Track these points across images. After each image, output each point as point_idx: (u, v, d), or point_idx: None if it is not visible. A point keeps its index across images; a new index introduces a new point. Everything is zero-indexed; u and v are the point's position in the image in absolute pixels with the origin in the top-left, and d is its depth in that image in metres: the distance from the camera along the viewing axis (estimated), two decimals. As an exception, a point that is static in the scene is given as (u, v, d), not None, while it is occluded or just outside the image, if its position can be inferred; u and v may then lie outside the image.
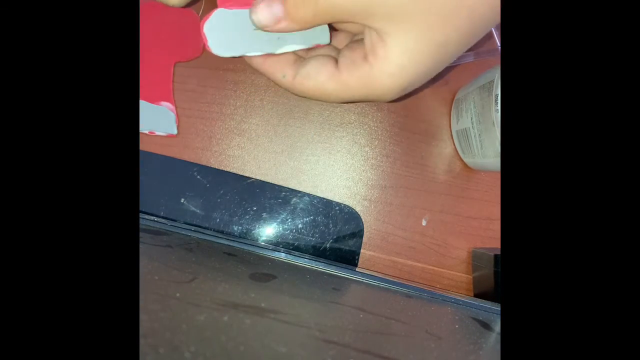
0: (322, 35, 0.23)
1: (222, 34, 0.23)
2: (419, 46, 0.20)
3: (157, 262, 0.20)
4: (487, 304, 0.26)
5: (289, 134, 0.31)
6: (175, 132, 0.30)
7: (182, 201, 0.30)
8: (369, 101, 0.23)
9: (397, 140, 0.32)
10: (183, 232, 0.27)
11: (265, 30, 0.22)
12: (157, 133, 0.30)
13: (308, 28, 0.22)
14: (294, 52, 0.24)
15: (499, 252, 0.29)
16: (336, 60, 0.22)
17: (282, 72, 0.23)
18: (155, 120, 0.30)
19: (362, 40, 0.21)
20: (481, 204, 0.33)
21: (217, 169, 0.31)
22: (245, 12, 0.23)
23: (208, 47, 0.23)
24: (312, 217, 0.31)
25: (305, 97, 0.24)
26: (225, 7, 0.23)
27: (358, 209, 0.32)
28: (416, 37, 0.19)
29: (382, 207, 0.32)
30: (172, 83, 0.30)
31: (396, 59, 0.20)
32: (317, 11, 0.20)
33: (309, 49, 0.25)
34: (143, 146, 0.30)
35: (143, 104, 0.29)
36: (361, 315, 0.20)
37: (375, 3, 0.19)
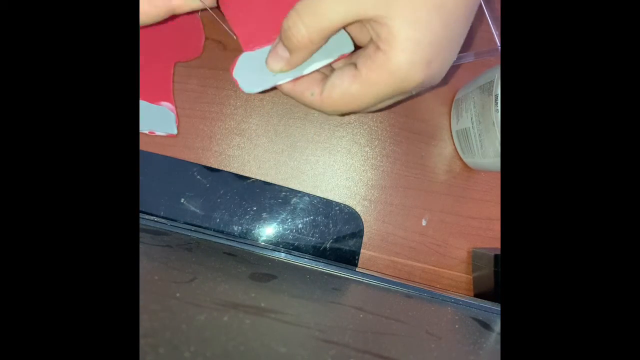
0: (344, 45, 0.23)
1: (250, 73, 0.24)
2: (417, 14, 0.19)
3: (157, 262, 0.20)
4: (487, 304, 0.26)
5: (289, 134, 0.31)
6: (175, 132, 0.30)
7: (182, 201, 0.30)
8: (399, 94, 0.22)
9: (397, 140, 0.32)
10: (183, 232, 0.27)
11: (287, 71, 0.23)
12: (157, 133, 0.30)
13: (316, 49, 0.22)
14: (320, 72, 0.24)
15: (499, 252, 0.29)
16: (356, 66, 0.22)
17: (311, 90, 0.24)
18: (155, 120, 0.30)
19: (371, 40, 0.22)
20: (481, 204, 0.33)
21: (217, 169, 0.31)
22: (268, 48, 0.24)
23: (240, 88, 0.24)
24: (312, 217, 0.31)
25: (337, 114, 0.24)
26: (250, 50, 0.24)
27: (358, 209, 0.32)
28: (411, 7, 0.19)
29: (382, 207, 0.32)
30: (172, 83, 0.30)
31: (402, 33, 0.20)
32: (310, 33, 0.21)
33: (333, 66, 0.25)
34: (143, 146, 0.30)
35: (143, 104, 0.29)
36: (361, 315, 0.20)
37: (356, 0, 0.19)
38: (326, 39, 0.22)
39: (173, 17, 0.25)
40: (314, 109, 0.25)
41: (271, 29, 0.23)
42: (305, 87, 0.24)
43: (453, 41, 0.21)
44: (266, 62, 0.23)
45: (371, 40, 0.21)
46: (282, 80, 0.24)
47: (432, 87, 0.32)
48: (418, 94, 0.32)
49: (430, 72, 0.21)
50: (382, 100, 0.23)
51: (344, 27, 0.22)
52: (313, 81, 0.24)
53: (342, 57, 0.23)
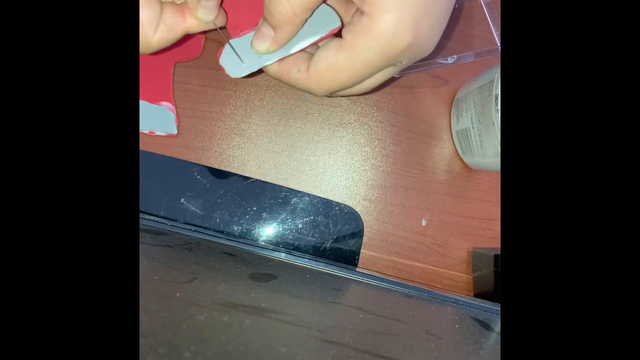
0: (330, 20, 0.22)
1: (236, 59, 0.24)
2: None
3: (157, 262, 0.20)
4: (487, 304, 0.26)
5: (289, 134, 0.31)
6: (175, 132, 0.30)
7: (182, 201, 0.30)
8: (388, 61, 0.21)
9: (397, 140, 0.32)
10: (183, 232, 0.27)
11: (274, 51, 0.23)
12: (157, 133, 0.30)
13: (300, 24, 0.22)
14: (307, 51, 0.24)
15: (499, 252, 0.29)
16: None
17: (297, 67, 0.23)
18: (155, 120, 0.30)
19: (356, 9, 0.21)
20: (481, 204, 0.33)
21: (217, 169, 0.31)
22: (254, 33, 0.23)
23: (227, 74, 0.24)
24: (312, 217, 0.31)
25: (326, 92, 0.23)
26: (237, 36, 0.24)
27: (358, 209, 0.32)
28: None
29: (382, 207, 0.32)
30: (172, 83, 0.30)
31: None
32: (293, 6, 0.20)
33: (319, 45, 0.24)
34: (143, 146, 0.30)
35: (143, 104, 0.29)
36: (361, 315, 0.20)
37: None
38: (310, 11, 0.21)
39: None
40: (301, 89, 0.24)
41: (258, 14, 0.23)
42: (292, 65, 0.23)
43: (440, 5, 0.20)
44: (251, 44, 0.23)
45: (356, 10, 0.21)
46: (268, 61, 0.23)
47: (424, 63, 0.31)
48: (410, 68, 0.31)
49: (419, 34, 0.20)
50: (372, 70, 0.22)
51: (327, 2, 0.22)
52: (299, 59, 0.23)
53: (330, 34, 0.23)
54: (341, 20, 0.23)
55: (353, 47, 0.21)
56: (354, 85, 0.23)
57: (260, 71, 0.24)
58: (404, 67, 0.23)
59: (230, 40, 0.24)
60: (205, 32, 0.24)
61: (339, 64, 0.21)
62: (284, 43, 0.23)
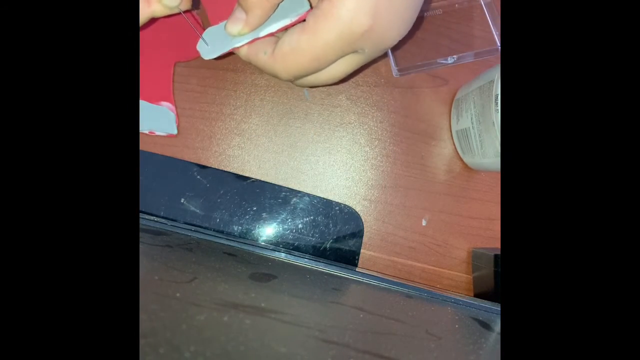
0: (300, 4, 0.23)
1: (211, 42, 0.25)
2: None
3: (157, 262, 0.20)
4: (487, 304, 0.26)
5: (289, 134, 0.31)
6: (175, 132, 0.30)
7: (182, 201, 0.30)
8: (348, 44, 0.22)
9: (397, 140, 0.32)
10: (183, 232, 0.27)
11: (245, 34, 0.24)
12: (157, 133, 0.30)
13: (271, 8, 0.22)
14: (276, 36, 0.25)
15: (499, 252, 0.29)
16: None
17: (264, 50, 0.24)
18: (155, 120, 0.30)
19: None
20: (481, 204, 0.33)
21: (217, 169, 0.31)
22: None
23: (202, 56, 0.25)
24: (312, 217, 0.31)
25: (291, 76, 0.24)
26: (216, 23, 0.25)
27: (358, 209, 0.32)
28: None
29: (382, 207, 0.32)
30: (172, 83, 0.30)
31: None
32: None
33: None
34: (143, 146, 0.30)
35: (143, 104, 0.29)
36: (361, 315, 0.20)
37: None
38: None
39: (170, 17, 0.26)
40: (267, 71, 0.25)
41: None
42: (260, 48, 0.24)
43: None
44: (225, 27, 0.24)
45: None
46: (239, 43, 0.24)
47: (394, 50, 0.31)
48: (410, 68, 0.32)
49: (377, 21, 0.21)
50: (332, 54, 0.22)
51: None
52: (267, 42, 0.24)
53: (300, 19, 0.23)
54: (310, 5, 0.23)
55: (314, 30, 0.21)
56: (317, 69, 0.24)
57: (230, 53, 0.25)
58: (368, 57, 0.24)
59: (209, 28, 0.25)
60: (169, 15, 0.25)
61: (300, 46, 0.22)
62: (256, 26, 0.23)
